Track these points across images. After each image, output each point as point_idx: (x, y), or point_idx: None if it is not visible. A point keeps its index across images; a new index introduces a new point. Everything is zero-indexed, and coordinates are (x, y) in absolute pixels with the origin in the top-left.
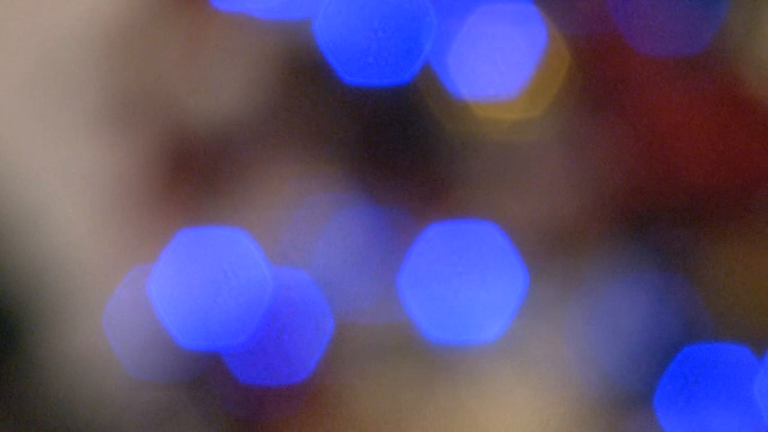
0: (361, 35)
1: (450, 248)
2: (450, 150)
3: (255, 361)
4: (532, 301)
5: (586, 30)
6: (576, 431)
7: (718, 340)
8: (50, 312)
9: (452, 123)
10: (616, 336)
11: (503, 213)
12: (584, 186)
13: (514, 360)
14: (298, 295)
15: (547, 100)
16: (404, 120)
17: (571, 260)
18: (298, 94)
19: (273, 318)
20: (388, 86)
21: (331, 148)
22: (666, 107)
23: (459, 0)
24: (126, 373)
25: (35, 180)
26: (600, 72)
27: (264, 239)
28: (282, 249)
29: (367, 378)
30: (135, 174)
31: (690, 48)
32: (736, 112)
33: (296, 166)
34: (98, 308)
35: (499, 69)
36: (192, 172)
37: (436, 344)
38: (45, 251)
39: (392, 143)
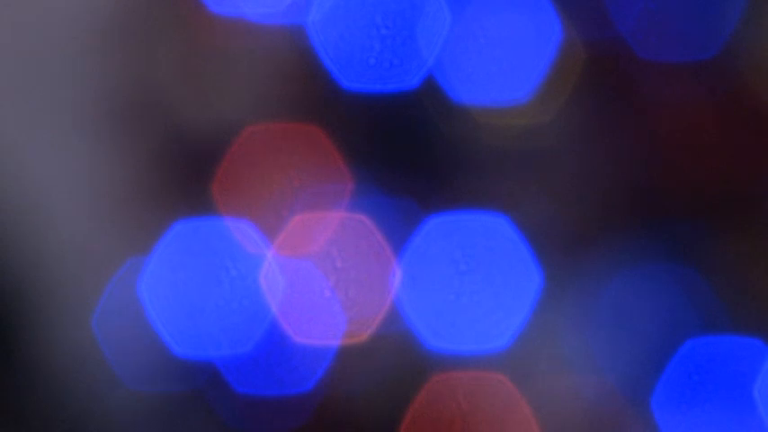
0: (363, 40)
1: (455, 244)
2: (456, 153)
3: (258, 370)
4: (546, 302)
5: (597, 34)
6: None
7: (732, 333)
8: (39, 311)
9: (457, 130)
10: (628, 331)
11: (512, 206)
12: (596, 183)
13: (521, 365)
14: (307, 295)
15: (558, 105)
16: (407, 127)
17: (583, 258)
18: (296, 99)
19: (281, 321)
20: (391, 93)
21: (333, 146)
22: (676, 111)
23: (468, 2)
24: (118, 380)
25: (28, 176)
26: (610, 76)
27: (270, 232)
28: (288, 242)
29: (371, 389)
30: (130, 171)
31: (701, 52)
32: (746, 115)
33: (296, 157)
34: (88, 307)
35: (509, 74)
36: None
37: (440, 354)
38: (34, 246)
39: (395, 147)
